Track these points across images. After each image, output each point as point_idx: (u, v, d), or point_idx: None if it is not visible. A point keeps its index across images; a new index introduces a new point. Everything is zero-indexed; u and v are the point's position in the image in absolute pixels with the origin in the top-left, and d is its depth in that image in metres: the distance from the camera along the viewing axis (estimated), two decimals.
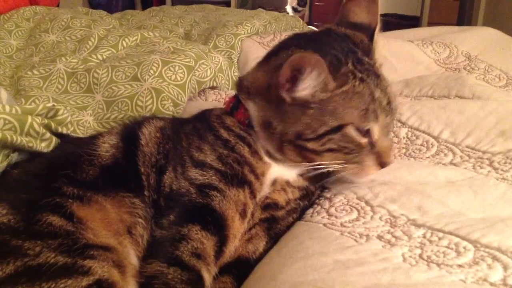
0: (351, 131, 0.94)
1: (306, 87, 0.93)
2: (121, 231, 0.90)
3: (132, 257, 0.89)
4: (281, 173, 1.03)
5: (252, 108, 1.03)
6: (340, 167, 0.98)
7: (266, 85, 0.99)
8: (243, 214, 0.97)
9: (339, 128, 0.94)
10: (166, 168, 0.98)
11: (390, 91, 1.00)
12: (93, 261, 0.78)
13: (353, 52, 0.99)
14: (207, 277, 0.87)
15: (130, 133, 1.05)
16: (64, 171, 0.92)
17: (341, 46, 1.00)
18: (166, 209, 0.93)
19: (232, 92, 1.52)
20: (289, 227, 1.01)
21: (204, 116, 1.13)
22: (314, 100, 0.93)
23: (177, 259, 0.85)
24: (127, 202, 0.93)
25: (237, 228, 0.96)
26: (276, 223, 1.01)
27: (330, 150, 0.96)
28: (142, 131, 1.04)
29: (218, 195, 0.94)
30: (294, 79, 0.92)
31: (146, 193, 0.96)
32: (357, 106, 0.93)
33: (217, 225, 0.91)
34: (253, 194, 0.99)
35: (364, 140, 0.96)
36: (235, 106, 1.08)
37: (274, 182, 1.03)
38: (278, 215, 1.02)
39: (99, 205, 0.90)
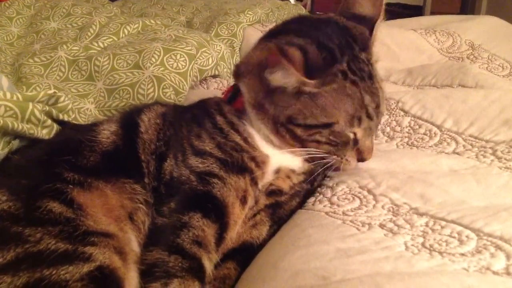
0: (339, 129, 0.97)
1: (277, 80, 0.94)
2: (122, 217, 0.90)
3: (134, 244, 0.89)
4: (284, 162, 1.04)
5: (244, 89, 1.04)
6: (324, 156, 1.00)
7: (259, 62, 0.98)
8: (243, 201, 0.97)
9: (328, 125, 0.96)
10: (167, 156, 0.98)
11: (381, 93, 1.01)
12: (94, 248, 0.78)
13: (350, 48, 0.98)
14: (208, 265, 0.87)
15: (129, 120, 1.05)
16: (65, 157, 0.92)
17: (340, 40, 0.99)
18: (166, 196, 0.93)
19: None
20: (292, 211, 1.01)
21: (203, 104, 1.13)
22: (302, 90, 0.94)
23: (178, 247, 0.85)
24: (128, 188, 0.93)
25: (238, 214, 0.96)
26: (280, 208, 1.02)
27: (317, 141, 0.99)
28: (141, 118, 1.05)
29: (219, 182, 0.94)
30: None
31: (146, 180, 0.96)
32: (345, 108, 0.95)
33: (218, 212, 0.91)
34: (254, 181, 0.99)
35: (351, 137, 0.99)
36: (233, 95, 1.08)
37: (278, 171, 1.03)
38: (281, 200, 1.03)
39: (99, 191, 0.89)
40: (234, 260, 0.95)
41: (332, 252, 0.76)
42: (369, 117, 0.98)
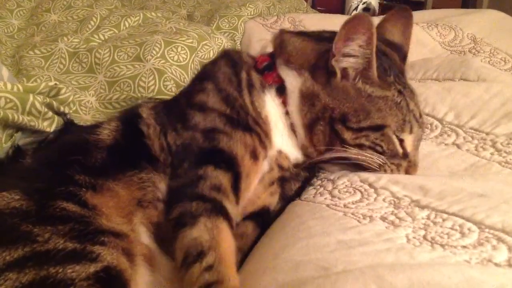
0: (390, 133, 0.99)
1: (351, 55, 0.98)
2: (132, 209, 0.91)
3: (144, 236, 0.90)
4: (284, 147, 1.07)
5: (293, 78, 1.06)
6: (374, 165, 1.00)
7: (315, 58, 1.04)
8: (253, 155, 1.00)
9: (380, 127, 0.98)
10: (168, 132, 1.01)
11: (420, 106, 1.06)
12: (102, 248, 0.77)
13: (393, 66, 1.05)
14: (231, 209, 0.90)
15: (130, 114, 1.08)
16: (75, 158, 0.92)
17: (386, 58, 1.05)
18: (178, 162, 0.97)
19: None
20: (292, 197, 1.04)
21: (228, 55, 1.16)
22: (362, 87, 0.99)
23: (198, 194, 0.89)
24: (135, 180, 0.94)
25: (249, 167, 0.99)
26: (286, 183, 1.07)
27: (360, 145, 1.00)
28: (141, 109, 1.07)
29: (224, 137, 0.97)
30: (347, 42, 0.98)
31: (162, 156, 0.98)
32: (396, 114, 0.99)
33: (228, 164, 0.95)
34: (262, 144, 1.02)
35: (399, 150, 1.00)
36: (268, 66, 1.10)
37: (280, 152, 1.06)
38: (286, 176, 1.07)
39: (111, 192, 0.90)
40: (252, 220, 1.01)
41: (333, 243, 0.76)
42: (417, 123, 1.01)
